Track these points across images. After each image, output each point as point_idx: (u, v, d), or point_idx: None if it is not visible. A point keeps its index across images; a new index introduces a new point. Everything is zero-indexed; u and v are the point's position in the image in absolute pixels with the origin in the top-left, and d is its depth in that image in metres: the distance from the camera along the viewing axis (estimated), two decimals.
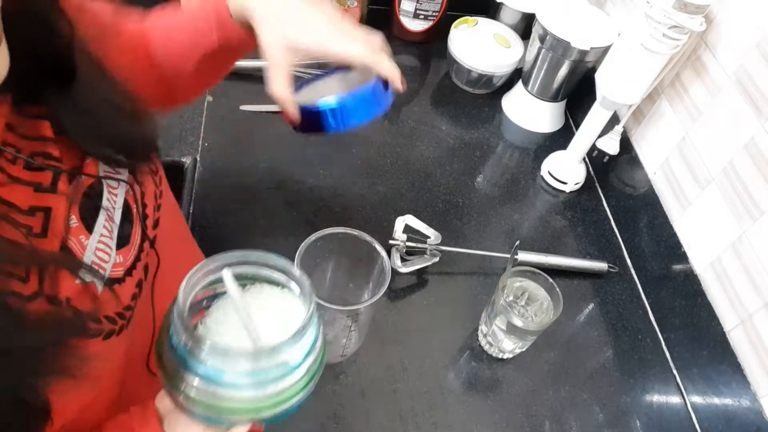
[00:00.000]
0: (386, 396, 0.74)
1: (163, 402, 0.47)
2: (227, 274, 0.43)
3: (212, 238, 0.79)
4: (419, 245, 0.85)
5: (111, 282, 0.45)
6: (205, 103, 1.01)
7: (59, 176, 0.41)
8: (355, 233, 0.73)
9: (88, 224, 0.43)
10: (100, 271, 0.44)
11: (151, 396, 0.57)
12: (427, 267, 0.86)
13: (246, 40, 0.57)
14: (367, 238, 0.71)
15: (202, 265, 0.44)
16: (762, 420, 0.69)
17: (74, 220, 0.42)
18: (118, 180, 0.48)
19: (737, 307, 0.75)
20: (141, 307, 0.51)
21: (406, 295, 0.84)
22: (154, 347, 0.45)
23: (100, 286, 0.43)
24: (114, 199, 0.47)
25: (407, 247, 0.84)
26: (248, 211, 0.88)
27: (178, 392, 0.42)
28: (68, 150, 0.43)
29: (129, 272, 0.47)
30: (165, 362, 0.43)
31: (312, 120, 0.57)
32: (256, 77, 1.07)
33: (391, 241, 0.83)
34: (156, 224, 0.53)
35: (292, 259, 0.70)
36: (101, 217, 0.45)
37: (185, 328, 0.41)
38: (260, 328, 0.44)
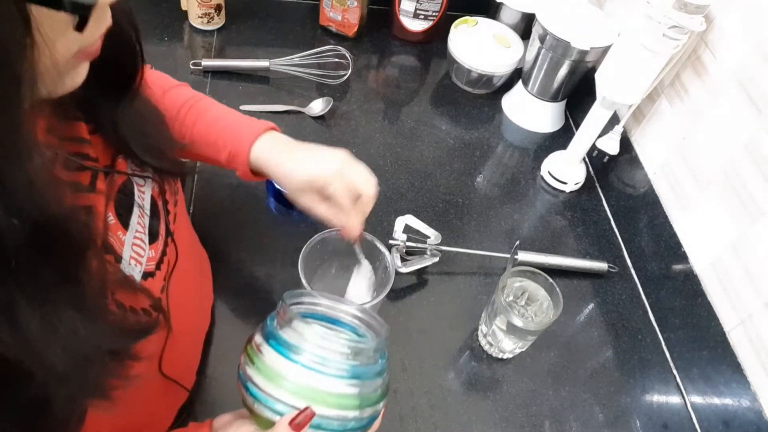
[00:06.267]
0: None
1: (220, 419, 0.49)
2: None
3: (213, 239, 0.79)
4: (419, 245, 0.85)
5: (146, 276, 0.47)
6: None
7: (97, 175, 0.43)
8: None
9: (124, 221, 0.45)
10: (137, 265, 0.45)
11: (164, 403, 0.58)
12: (427, 267, 0.86)
13: (249, 175, 0.66)
14: (368, 236, 0.72)
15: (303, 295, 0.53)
16: (762, 420, 0.69)
17: (111, 218, 0.44)
18: (144, 177, 0.49)
19: (737, 307, 0.75)
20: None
21: (406, 295, 0.84)
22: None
23: (138, 280, 0.45)
24: (142, 195, 0.49)
25: (407, 247, 0.85)
26: (249, 211, 0.88)
27: (248, 360, 0.47)
28: (101, 150, 0.45)
29: (158, 266, 0.49)
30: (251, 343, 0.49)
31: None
32: (256, 77, 1.07)
33: (391, 241, 0.83)
34: (175, 219, 0.55)
35: (295, 259, 0.70)
36: (135, 214, 0.46)
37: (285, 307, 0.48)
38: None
